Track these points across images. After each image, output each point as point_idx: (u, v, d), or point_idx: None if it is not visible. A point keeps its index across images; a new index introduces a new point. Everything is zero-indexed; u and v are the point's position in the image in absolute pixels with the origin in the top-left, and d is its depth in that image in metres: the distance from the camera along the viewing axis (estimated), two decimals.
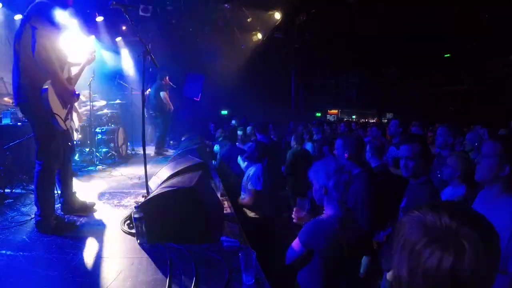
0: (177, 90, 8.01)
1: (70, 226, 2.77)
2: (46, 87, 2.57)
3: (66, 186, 3.09)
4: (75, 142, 5.14)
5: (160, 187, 2.81)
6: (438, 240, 0.74)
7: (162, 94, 7.03)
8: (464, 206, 0.80)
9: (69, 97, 2.86)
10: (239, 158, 5.96)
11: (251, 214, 3.92)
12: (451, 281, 0.72)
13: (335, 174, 2.00)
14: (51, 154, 2.73)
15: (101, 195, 3.80)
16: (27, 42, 2.52)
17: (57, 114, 2.65)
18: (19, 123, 4.24)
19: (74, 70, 3.11)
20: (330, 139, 5.07)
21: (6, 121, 4.27)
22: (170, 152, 7.41)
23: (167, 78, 7.40)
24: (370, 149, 3.52)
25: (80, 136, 5.77)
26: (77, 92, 3.00)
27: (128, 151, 6.99)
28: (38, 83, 2.58)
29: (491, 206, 1.79)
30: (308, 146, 6.00)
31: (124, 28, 9.38)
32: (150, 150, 7.03)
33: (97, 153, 5.89)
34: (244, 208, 3.89)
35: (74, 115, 4.57)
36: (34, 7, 2.60)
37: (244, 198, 3.95)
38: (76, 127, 4.54)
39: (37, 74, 2.58)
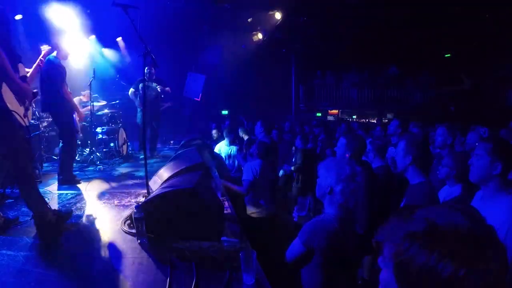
0: (177, 90, 7.98)
1: (68, 215, 2.90)
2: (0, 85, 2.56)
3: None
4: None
5: (161, 187, 2.82)
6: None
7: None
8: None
9: (25, 95, 2.85)
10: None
11: (251, 213, 3.93)
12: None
13: (346, 180, 1.96)
14: (21, 153, 2.65)
15: (101, 195, 3.80)
16: None
17: (14, 111, 2.63)
18: None
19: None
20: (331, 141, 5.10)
21: None
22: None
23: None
24: (373, 150, 3.49)
25: (81, 135, 5.78)
26: (34, 90, 3.02)
27: (128, 151, 7.00)
28: None
29: (488, 205, 1.80)
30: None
31: (124, 28, 9.39)
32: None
33: (97, 153, 5.90)
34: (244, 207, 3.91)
35: (76, 116, 4.58)
36: None
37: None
38: (78, 129, 4.55)
39: None
